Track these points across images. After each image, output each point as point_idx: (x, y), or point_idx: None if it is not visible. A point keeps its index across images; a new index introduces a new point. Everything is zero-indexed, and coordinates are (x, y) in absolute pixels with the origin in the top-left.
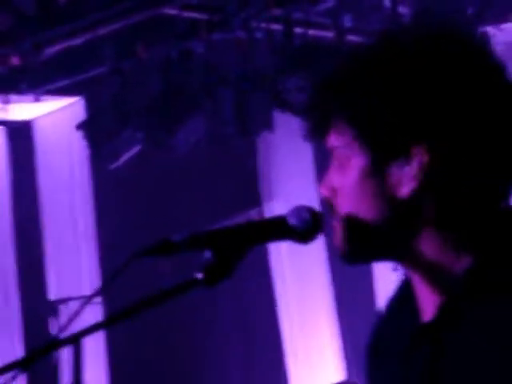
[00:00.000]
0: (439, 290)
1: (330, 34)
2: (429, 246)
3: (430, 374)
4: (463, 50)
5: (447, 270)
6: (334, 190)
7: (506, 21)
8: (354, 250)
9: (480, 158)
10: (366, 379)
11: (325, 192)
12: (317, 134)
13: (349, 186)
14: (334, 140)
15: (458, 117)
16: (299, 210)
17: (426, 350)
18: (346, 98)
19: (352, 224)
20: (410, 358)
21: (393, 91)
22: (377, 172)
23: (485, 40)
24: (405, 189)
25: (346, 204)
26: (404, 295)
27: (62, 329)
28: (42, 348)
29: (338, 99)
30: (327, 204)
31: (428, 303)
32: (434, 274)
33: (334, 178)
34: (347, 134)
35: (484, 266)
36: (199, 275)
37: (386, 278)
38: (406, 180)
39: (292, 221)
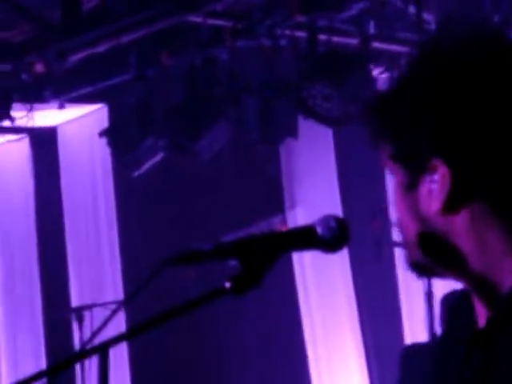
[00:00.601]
0: (488, 303)
1: (354, 41)
2: (473, 259)
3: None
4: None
5: (494, 284)
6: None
7: None
8: (418, 267)
9: (505, 167)
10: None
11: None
12: (375, 150)
13: (395, 203)
14: (383, 155)
15: (477, 130)
16: (327, 219)
17: (475, 358)
18: (383, 119)
19: (406, 242)
20: (460, 365)
21: (416, 107)
22: (410, 187)
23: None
24: (435, 203)
25: (397, 221)
26: (463, 305)
27: (91, 338)
28: (70, 357)
29: (377, 121)
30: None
31: (481, 314)
32: (482, 287)
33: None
34: (387, 153)
35: None
36: (227, 284)
37: (409, 285)
38: (435, 194)
39: (320, 230)
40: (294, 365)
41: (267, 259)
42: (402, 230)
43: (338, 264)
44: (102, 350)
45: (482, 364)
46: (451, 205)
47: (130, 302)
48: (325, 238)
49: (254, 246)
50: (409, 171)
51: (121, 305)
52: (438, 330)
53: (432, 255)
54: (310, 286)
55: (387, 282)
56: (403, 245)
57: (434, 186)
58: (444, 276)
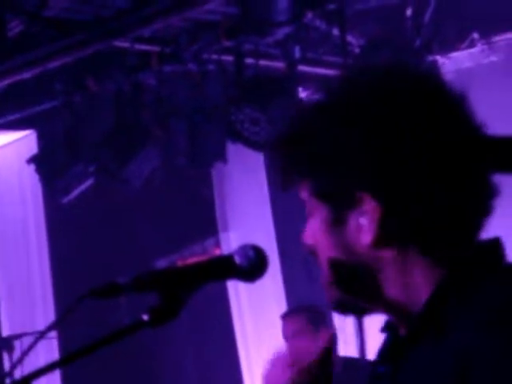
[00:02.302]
0: (404, 327)
1: (280, 65)
2: (393, 290)
3: None
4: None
5: (411, 310)
6: (311, 240)
7: (453, 49)
8: (338, 304)
9: (434, 204)
10: None
11: (307, 240)
12: (286, 187)
13: (316, 239)
14: (301, 193)
15: (403, 165)
16: (244, 249)
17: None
18: (297, 154)
19: (327, 279)
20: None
21: (336, 142)
22: (336, 223)
23: (434, 71)
24: (365, 237)
25: (320, 257)
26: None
27: (16, 364)
28: None
29: (290, 157)
30: (311, 252)
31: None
32: (401, 315)
33: (308, 228)
34: (307, 188)
35: (432, 308)
36: (145, 317)
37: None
38: (364, 229)
39: (238, 259)
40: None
41: (186, 290)
42: (322, 269)
43: (272, 287)
44: (26, 383)
45: (390, 376)
46: (382, 238)
47: (55, 329)
48: (243, 267)
49: (172, 278)
50: (333, 206)
51: (47, 331)
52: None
53: (352, 290)
54: (245, 310)
55: (320, 301)
56: (324, 286)
57: (363, 220)
58: (366, 311)
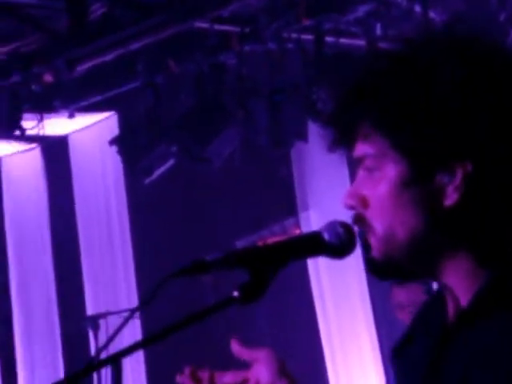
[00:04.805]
0: (461, 302)
1: (361, 43)
2: (458, 261)
3: (437, 372)
4: (500, 56)
5: (467, 286)
6: (363, 201)
7: None
8: (391, 266)
9: None
10: (392, 379)
11: (352, 202)
12: (343, 143)
13: (383, 195)
14: (363, 149)
15: (504, 133)
16: (333, 225)
17: (440, 354)
18: (383, 104)
19: (390, 238)
20: (431, 363)
21: (440, 101)
22: (418, 181)
23: None
24: (448, 199)
25: (381, 215)
26: (436, 304)
27: (109, 342)
28: (84, 368)
29: (372, 106)
30: (355, 215)
31: (453, 314)
32: (458, 288)
33: (364, 188)
34: (380, 143)
35: (498, 284)
36: (235, 293)
37: None
38: (449, 190)
39: (327, 236)
40: (311, 372)
41: (275, 267)
42: (388, 225)
43: (353, 267)
44: (115, 361)
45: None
46: (463, 204)
47: (142, 309)
48: (332, 244)
49: (261, 255)
50: (418, 163)
51: (133, 312)
52: None
53: (408, 250)
54: (325, 289)
55: None
56: (379, 240)
57: (451, 183)
58: (412, 277)
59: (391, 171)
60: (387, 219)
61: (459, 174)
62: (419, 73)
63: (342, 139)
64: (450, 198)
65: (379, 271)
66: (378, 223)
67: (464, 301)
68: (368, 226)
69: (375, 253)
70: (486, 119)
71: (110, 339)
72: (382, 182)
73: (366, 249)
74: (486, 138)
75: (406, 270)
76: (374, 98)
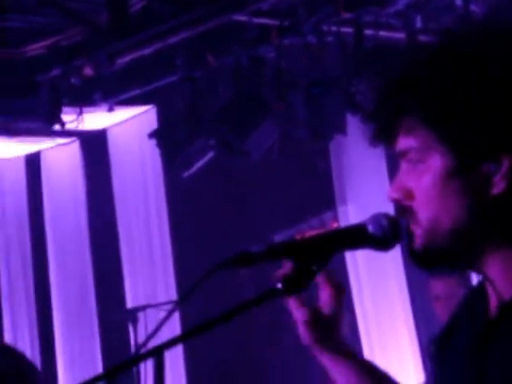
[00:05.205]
0: (504, 294)
1: (401, 35)
2: (502, 252)
3: (479, 365)
4: None
5: (510, 278)
6: (409, 193)
7: None
8: (435, 256)
9: None
10: (431, 370)
11: (397, 195)
12: (386, 135)
13: (429, 187)
14: (407, 142)
15: None
16: (378, 218)
17: (484, 347)
18: (428, 97)
19: (435, 228)
20: (474, 354)
21: (485, 91)
22: (464, 172)
23: None
24: (495, 188)
25: (427, 206)
26: (478, 296)
27: (152, 334)
28: (125, 361)
29: (416, 99)
30: (400, 207)
31: (495, 306)
32: (501, 281)
33: (409, 180)
34: (424, 136)
35: None
36: (279, 285)
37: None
38: (496, 180)
39: (371, 228)
40: None
41: (319, 259)
42: (434, 215)
43: (391, 261)
44: (157, 353)
45: (484, 353)
46: (508, 194)
47: (184, 302)
48: (376, 236)
49: (306, 246)
50: (464, 156)
51: (175, 305)
52: None
53: (455, 241)
54: (364, 284)
55: None
56: (424, 230)
57: (497, 173)
58: (454, 268)
59: (436, 163)
60: (433, 210)
61: (506, 163)
62: (463, 64)
63: (383, 133)
64: (498, 186)
65: (422, 261)
66: (424, 214)
67: (506, 293)
68: (413, 217)
69: (419, 242)
70: None
71: (153, 333)
72: (427, 173)
73: (410, 239)
74: None
75: (448, 261)
76: (418, 91)
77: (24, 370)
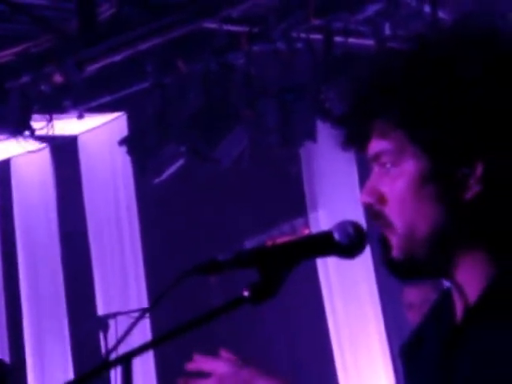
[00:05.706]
0: (470, 299)
1: (370, 42)
2: (473, 257)
3: (447, 371)
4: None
5: (477, 282)
6: (381, 197)
7: None
8: (414, 265)
9: None
10: (402, 379)
11: (370, 199)
12: (358, 139)
13: (402, 191)
14: (380, 145)
15: None
16: (344, 225)
17: (448, 352)
18: (402, 101)
19: (412, 235)
20: (442, 361)
21: (459, 95)
22: (438, 176)
23: None
24: (469, 192)
25: (400, 211)
26: (444, 302)
27: (120, 341)
28: (94, 369)
29: (390, 103)
30: (372, 211)
31: (461, 311)
32: (468, 285)
33: (381, 184)
34: (398, 139)
35: (506, 280)
36: (246, 293)
37: None
38: (470, 183)
39: (337, 236)
40: (320, 370)
41: (286, 267)
42: (409, 221)
43: (362, 266)
44: (125, 361)
45: (447, 357)
46: (482, 198)
47: (153, 309)
48: (342, 243)
49: (273, 254)
50: (438, 159)
51: (144, 312)
52: None
53: (428, 246)
54: (335, 290)
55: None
56: (400, 237)
57: (471, 177)
58: (427, 276)
59: (410, 166)
60: (407, 215)
61: (479, 167)
62: (435, 69)
63: (355, 137)
64: (471, 190)
65: (401, 271)
66: (398, 220)
67: (473, 298)
68: (387, 222)
69: (396, 252)
70: (506, 112)
71: (122, 339)
72: (401, 177)
73: (386, 249)
74: (506, 130)
75: (426, 270)
76: (392, 95)
77: None
